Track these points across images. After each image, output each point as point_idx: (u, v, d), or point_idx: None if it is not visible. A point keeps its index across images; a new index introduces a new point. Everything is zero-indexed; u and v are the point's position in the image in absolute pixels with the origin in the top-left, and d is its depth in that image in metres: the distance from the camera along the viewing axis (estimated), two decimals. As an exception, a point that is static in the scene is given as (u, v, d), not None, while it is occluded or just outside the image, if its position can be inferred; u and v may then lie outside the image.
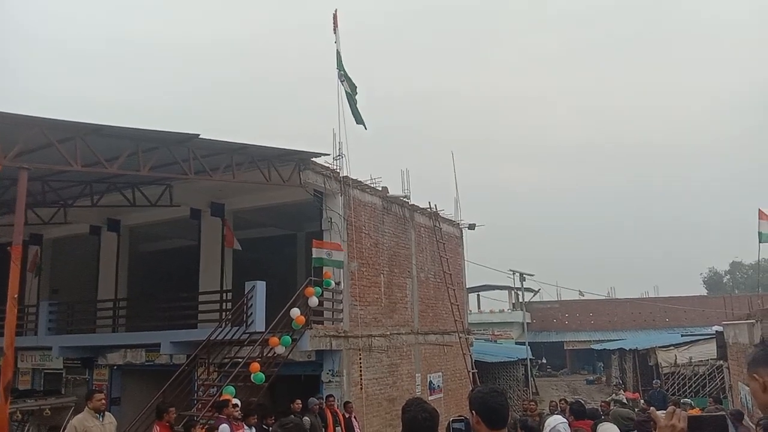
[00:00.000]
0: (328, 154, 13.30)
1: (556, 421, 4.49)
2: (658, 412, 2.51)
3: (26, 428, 14.12)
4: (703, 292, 60.58)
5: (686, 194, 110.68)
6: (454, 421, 3.51)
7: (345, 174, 13.94)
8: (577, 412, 7.81)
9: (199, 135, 10.08)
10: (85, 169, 9.79)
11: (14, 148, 8.42)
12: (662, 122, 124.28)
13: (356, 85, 13.75)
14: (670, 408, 2.45)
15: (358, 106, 13.68)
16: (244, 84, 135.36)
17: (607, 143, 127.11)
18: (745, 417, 8.30)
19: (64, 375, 16.64)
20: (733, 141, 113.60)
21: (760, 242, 16.39)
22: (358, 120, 13.69)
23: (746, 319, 13.45)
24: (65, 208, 14.55)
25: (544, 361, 44.06)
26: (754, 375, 2.28)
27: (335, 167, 13.78)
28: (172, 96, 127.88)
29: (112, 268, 17.05)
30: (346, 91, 13.44)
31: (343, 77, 13.45)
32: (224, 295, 14.30)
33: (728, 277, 71.82)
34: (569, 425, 4.75)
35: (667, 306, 43.16)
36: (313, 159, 12.80)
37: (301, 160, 12.51)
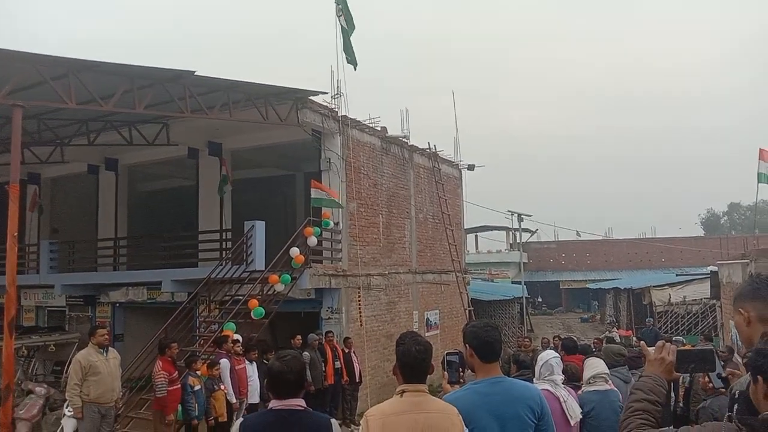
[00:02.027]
0: (326, 93, 13.08)
1: (549, 355, 4.60)
2: (649, 348, 2.57)
3: (32, 363, 14.48)
4: (701, 233, 60.97)
5: (687, 137, 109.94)
6: (448, 354, 3.61)
7: (343, 113, 13.76)
8: (568, 348, 8.01)
9: (194, 72, 9.92)
10: (80, 107, 9.67)
11: (7, 85, 8.30)
12: (668, 66, 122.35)
13: (355, 25, 13.36)
14: (660, 342, 2.51)
15: (352, 44, 13.32)
16: (240, 27, 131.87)
17: (607, 86, 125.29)
18: (735, 353, 8.50)
19: (67, 312, 16.92)
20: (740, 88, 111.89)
21: (759, 182, 16.37)
22: (350, 59, 13.35)
23: (741, 259, 13.59)
24: (62, 146, 14.45)
25: (540, 299, 44.80)
26: (740, 309, 2.31)
27: (333, 106, 13.60)
28: (164, 39, 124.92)
29: (112, 207, 17.10)
30: (342, 27, 13.09)
31: (341, 12, 13.08)
32: (224, 234, 14.39)
33: (726, 218, 72.11)
34: (561, 360, 4.87)
35: (664, 246, 43.53)
36: (311, 98, 12.60)
37: (299, 98, 12.33)
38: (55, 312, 17.29)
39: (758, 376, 1.83)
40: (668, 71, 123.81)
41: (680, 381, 6.85)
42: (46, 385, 11.21)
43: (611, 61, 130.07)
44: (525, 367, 5.10)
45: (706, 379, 2.44)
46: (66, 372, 10.73)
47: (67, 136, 13.77)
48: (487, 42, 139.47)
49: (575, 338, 10.86)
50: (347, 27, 13.11)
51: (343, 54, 13.15)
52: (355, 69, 13.40)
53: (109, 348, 8.62)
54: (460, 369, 3.57)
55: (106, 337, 8.62)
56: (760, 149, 16.06)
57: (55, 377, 14.23)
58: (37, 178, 18.12)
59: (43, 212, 18.68)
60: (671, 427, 2.14)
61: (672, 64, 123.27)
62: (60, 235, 18.83)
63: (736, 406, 2.16)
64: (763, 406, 1.82)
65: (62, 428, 8.74)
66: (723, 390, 2.44)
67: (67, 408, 8.48)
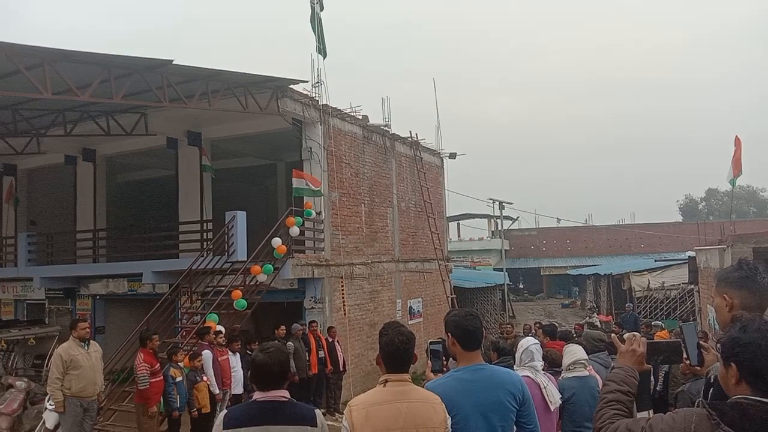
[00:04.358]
0: (306, 81, 12.98)
1: (529, 342, 4.66)
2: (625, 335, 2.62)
3: (12, 357, 14.31)
4: (679, 219, 61.76)
5: (666, 123, 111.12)
6: (431, 343, 3.64)
7: (324, 102, 13.69)
8: (550, 333, 8.11)
9: (172, 61, 9.80)
10: (56, 97, 9.53)
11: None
12: (644, 54, 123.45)
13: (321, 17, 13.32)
14: (629, 334, 2.56)
15: (324, 34, 13.28)
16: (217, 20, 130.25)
17: (590, 72, 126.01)
18: (710, 336, 8.66)
19: (46, 305, 16.72)
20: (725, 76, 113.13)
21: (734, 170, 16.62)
22: (319, 48, 13.30)
23: (718, 245, 13.79)
24: (38, 137, 14.22)
25: (522, 286, 45.19)
26: (724, 295, 2.36)
27: (314, 95, 13.52)
28: (143, 31, 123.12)
29: (90, 198, 16.88)
30: (317, 14, 13.00)
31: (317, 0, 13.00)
32: (204, 224, 14.30)
33: (704, 204, 73.07)
34: (542, 346, 4.94)
35: (643, 232, 44.04)
36: (291, 86, 12.51)
37: (279, 87, 12.24)
38: (35, 305, 17.08)
39: (732, 363, 1.86)
40: (645, 56, 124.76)
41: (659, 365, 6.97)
42: (26, 379, 11.10)
43: (587, 47, 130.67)
44: (505, 354, 5.16)
45: (687, 361, 2.49)
46: (47, 366, 10.63)
47: (44, 126, 13.55)
48: (464, 26, 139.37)
49: (556, 324, 10.98)
50: (320, 12, 13.03)
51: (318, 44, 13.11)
52: (324, 58, 13.40)
53: (91, 341, 8.55)
54: (444, 358, 3.60)
55: (88, 330, 8.56)
56: (735, 137, 16.31)
57: (35, 371, 14.10)
58: (13, 169, 17.83)
59: (20, 204, 18.39)
60: (646, 414, 2.19)
61: (649, 49, 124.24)
62: (38, 227, 18.57)
63: (711, 390, 2.21)
64: (733, 391, 1.87)
65: (43, 422, 8.68)
66: (699, 369, 2.50)
67: (48, 402, 8.42)
